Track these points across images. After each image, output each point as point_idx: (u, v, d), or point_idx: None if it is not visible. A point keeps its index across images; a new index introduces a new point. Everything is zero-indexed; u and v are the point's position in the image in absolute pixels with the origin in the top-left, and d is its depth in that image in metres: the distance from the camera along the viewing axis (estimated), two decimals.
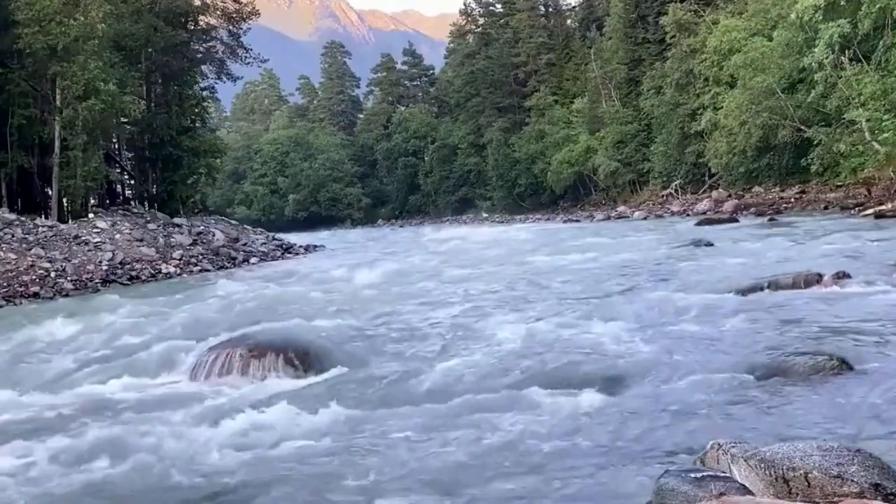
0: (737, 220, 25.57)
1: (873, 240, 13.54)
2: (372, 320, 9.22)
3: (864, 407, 4.42)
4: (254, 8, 38.39)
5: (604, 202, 54.63)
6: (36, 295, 17.04)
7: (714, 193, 38.92)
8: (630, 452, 4.11)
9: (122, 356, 8.07)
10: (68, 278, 18.36)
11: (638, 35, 53.60)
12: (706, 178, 44.42)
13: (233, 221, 38.64)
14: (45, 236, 20.93)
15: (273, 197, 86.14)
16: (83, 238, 21.58)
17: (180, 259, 22.40)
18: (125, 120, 32.97)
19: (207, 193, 48.38)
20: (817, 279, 8.51)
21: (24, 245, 19.84)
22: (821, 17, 29.63)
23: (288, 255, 28.57)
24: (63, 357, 8.52)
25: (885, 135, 26.15)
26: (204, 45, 38.01)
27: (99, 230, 23.09)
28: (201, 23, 37.38)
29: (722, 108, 37.38)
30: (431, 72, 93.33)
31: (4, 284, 17.14)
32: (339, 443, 4.76)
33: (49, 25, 23.04)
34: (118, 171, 33.90)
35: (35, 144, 25.32)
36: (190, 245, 24.66)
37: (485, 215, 66.75)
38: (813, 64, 29.69)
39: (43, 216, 24.19)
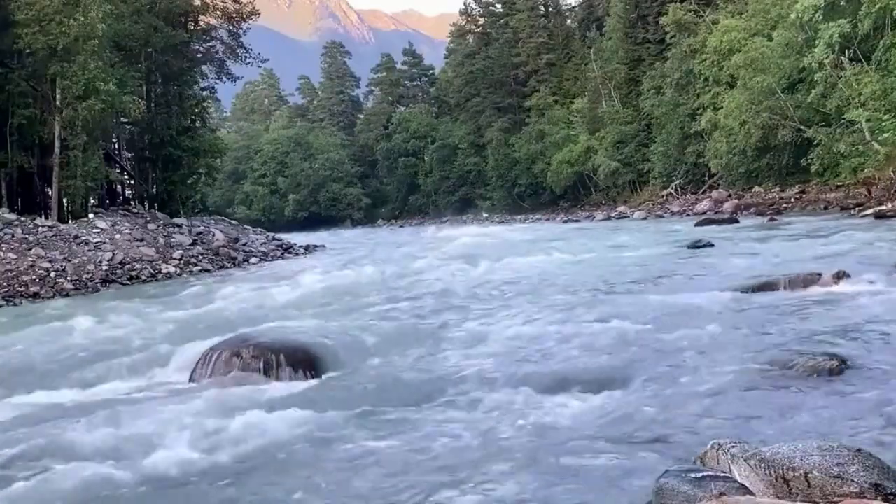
0: (737, 221, 25.57)
1: (873, 240, 13.54)
2: (372, 320, 9.22)
3: (864, 407, 4.42)
4: (254, 8, 38.36)
5: (604, 202, 54.64)
6: (36, 295, 17.04)
7: (714, 193, 38.92)
8: (630, 452, 4.11)
9: (121, 356, 8.07)
10: (68, 278, 18.36)
11: (638, 35, 53.63)
12: (706, 178, 44.43)
13: (233, 221, 38.63)
14: (45, 236, 20.93)
15: (273, 197, 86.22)
16: (83, 238, 21.57)
17: (180, 259, 22.40)
18: (125, 120, 32.97)
19: (207, 193, 48.38)
20: (817, 279, 8.51)
21: (24, 245, 19.84)
22: (821, 17, 29.66)
23: (288, 255, 28.56)
24: (62, 357, 8.52)
25: (885, 135, 26.17)
26: (204, 45, 37.98)
27: (99, 230, 23.08)
28: (201, 23, 37.35)
29: (722, 108, 37.41)
30: (431, 72, 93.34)
31: (4, 284, 17.14)
32: (340, 443, 4.76)
33: (49, 25, 23.02)
34: (118, 171, 33.89)
35: (35, 144, 25.30)
36: (190, 245, 24.65)
37: (485, 215, 66.76)
38: (813, 64, 29.71)
39: (43, 216, 24.18)
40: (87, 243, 21.23)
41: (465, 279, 13.24)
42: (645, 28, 52.84)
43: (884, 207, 21.07)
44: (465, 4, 76.64)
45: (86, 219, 24.87)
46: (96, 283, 18.69)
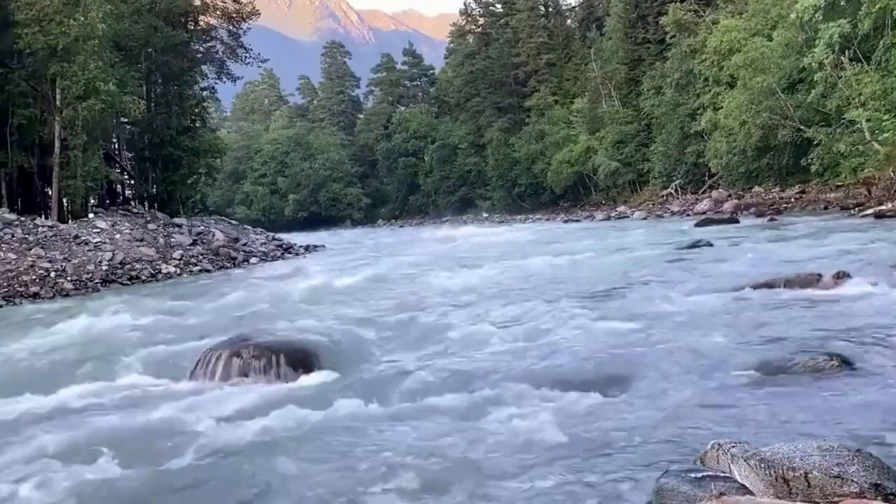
0: (737, 221, 25.57)
1: (873, 240, 13.54)
2: (372, 320, 9.22)
3: (864, 407, 4.42)
4: (254, 8, 38.38)
5: (604, 202, 54.64)
6: (36, 295, 17.04)
7: (714, 193, 38.93)
8: (630, 452, 4.11)
9: (121, 356, 8.07)
10: (68, 278, 18.36)
11: (638, 35, 53.64)
12: (706, 178, 44.44)
13: (233, 221, 38.63)
14: (45, 236, 20.93)
15: (273, 197, 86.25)
16: (83, 238, 21.57)
17: (180, 259, 22.39)
18: (125, 120, 32.98)
19: (207, 193, 48.38)
20: (817, 279, 8.50)
21: (24, 245, 19.84)
22: (821, 17, 29.66)
23: (288, 256, 28.57)
24: (63, 357, 8.52)
25: (885, 135, 26.17)
26: (204, 45, 37.99)
27: (99, 230, 23.08)
28: (201, 23, 37.37)
29: (722, 108, 37.41)
30: (431, 72, 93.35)
31: (4, 284, 17.14)
32: (339, 443, 4.76)
33: (49, 25, 23.02)
34: (118, 171, 33.89)
35: (35, 144, 25.30)
36: (190, 245, 24.65)
37: (485, 215, 66.77)
38: (813, 64, 29.71)
39: (43, 216, 24.18)
40: (87, 243, 21.23)
41: (464, 280, 13.24)
42: (645, 28, 52.84)
43: (884, 207, 21.07)
44: (465, 4, 76.71)
45: (86, 219, 24.87)
46: (96, 283, 18.68)
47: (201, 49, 37.80)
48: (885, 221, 18.41)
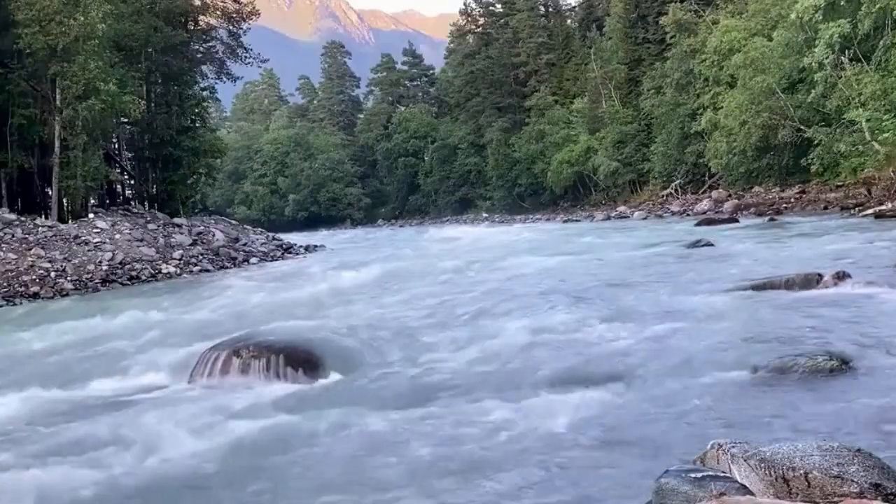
0: (737, 221, 25.57)
1: (873, 240, 13.54)
2: (374, 320, 9.20)
3: (864, 407, 4.42)
4: (254, 8, 38.40)
5: (604, 202, 54.66)
6: (36, 295, 17.04)
7: (714, 193, 38.94)
8: (630, 452, 4.11)
9: (121, 356, 8.07)
10: (68, 278, 18.36)
11: (638, 35, 53.67)
12: (706, 178, 44.45)
13: (233, 221, 38.66)
14: (45, 236, 20.93)
15: (273, 197, 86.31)
16: (83, 238, 21.57)
17: (180, 259, 22.39)
18: (125, 120, 32.98)
19: (207, 193, 48.41)
20: (817, 279, 8.49)
21: (24, 245, 19.84)
22: (821, 17, 29.66)
23: (288, 256, 28.56)
24: (62, 357, 8.52)
25: (885, 135, 26.18)
26: (204, 45, 38.01)
27: (99, 230, 23.07)
28: (201, 23, 37.39)
29: (722, 108, 37.42)
30: (431, 72, 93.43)
31: (4, 284, 17.14)
32: (341, 444, 4.76)
33: (49, 25, 23.03)
34: (118, 171, 33.89)
35: (35, 144, 25.31)
36: (190, 245, 24.65)
37: (485, 215, 66.80)
38: (813, 64, 29.72)
39: (43, 216, 24.18)
40: (87, 243, 21.23)
41: (463, 280, 13.24)
42: (645, 28, 52.87)
43: (884, 207, 21.06)
44: (465, 4, 76.79)
45: (86, 219, 24.86)
46: (96, 283, 18.68)
47: (201, 49, 37.81)
48: (885, 221, 18.39)
